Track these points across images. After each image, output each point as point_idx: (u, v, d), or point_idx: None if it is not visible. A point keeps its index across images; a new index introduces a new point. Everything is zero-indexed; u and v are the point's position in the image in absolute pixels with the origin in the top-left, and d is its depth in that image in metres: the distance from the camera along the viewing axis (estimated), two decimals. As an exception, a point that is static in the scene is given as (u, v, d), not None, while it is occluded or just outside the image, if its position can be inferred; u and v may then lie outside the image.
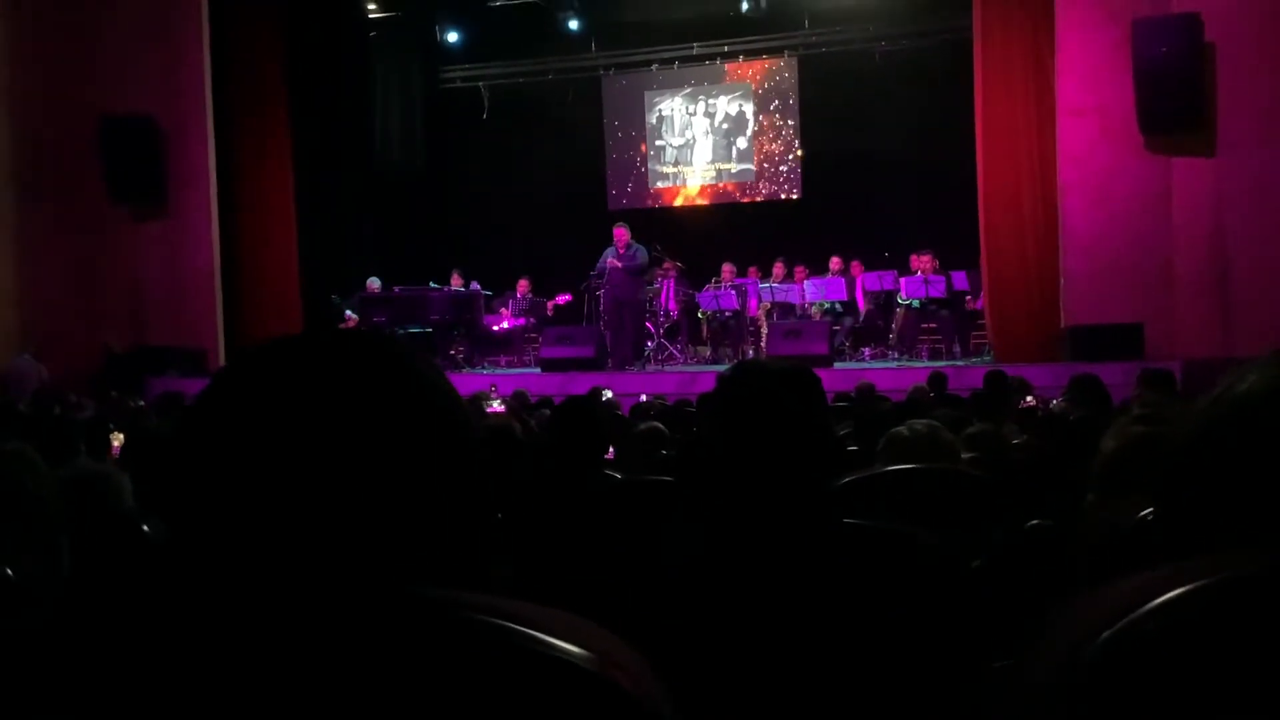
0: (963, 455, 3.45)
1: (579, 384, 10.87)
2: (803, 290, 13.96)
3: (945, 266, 13.27)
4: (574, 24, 17.02)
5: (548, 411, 7.14)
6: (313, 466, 0.88)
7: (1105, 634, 0.88)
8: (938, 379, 9.08)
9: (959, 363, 12.33)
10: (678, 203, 18.02)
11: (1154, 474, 2.30)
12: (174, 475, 0.91)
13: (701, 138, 17.85)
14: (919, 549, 1.76)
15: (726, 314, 14.19)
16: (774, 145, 17.57)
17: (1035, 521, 2.52)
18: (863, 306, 14.04)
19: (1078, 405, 6.11)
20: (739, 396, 1.80)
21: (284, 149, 14.32)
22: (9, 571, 2.07)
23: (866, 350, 13.88)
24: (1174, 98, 10.90)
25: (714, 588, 1.74)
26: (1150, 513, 2.14)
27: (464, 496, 0.94)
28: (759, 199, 17.62)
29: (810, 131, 17.13)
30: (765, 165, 17.61)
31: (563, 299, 14.88)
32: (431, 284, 14.33)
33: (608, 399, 9.14)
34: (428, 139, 18.07)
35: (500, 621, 0.88)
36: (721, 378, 1.87)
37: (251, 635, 0.86)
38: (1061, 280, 11.78)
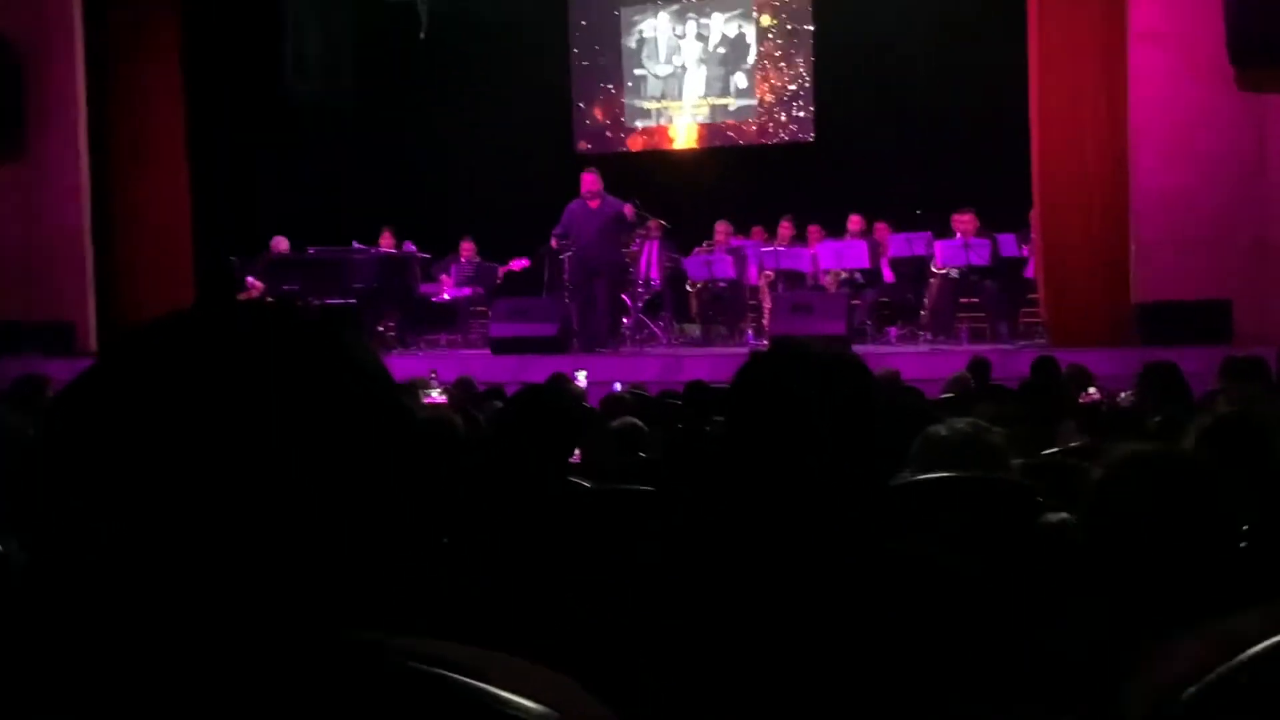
0: (1012, 462, 3.45)
1: (538, 369, 10.83)
2: (814, 255, 13.97)
3: (990, 228, 13.31)
4: (534, -77, 16.95)
5: (499, 403, 7.13)
6: (213, 475, 0.87)
7: (1191, 690, 0.89)
8: (979, 366, 9.10)
9: (1006, 346, 12.38)
10: (662, 147, 17.99)
11: (1160, 501, 2.31)
12: (39, 484, 0.90)
13: (692, 66, 17.83)
14: (966, 585, 1.76)
15: (720, 284, 14.20)
16: (781, 76, 17.56)
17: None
18: (888, 276, 14.06)
19: (1150, 399, 6.14)
20: (777, 388, 1.80)
21: (172, 77, 14.21)
22: None
23: (892, 330, 13.91)
24: (1274, 21, 10.92)
25: (718, 626, 1.74)
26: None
27: (401, 511, 0.94)
28: (762, 142, 17.61)
29: (826, 60, 17.12)
30: (770, 101, 17.61)
31: (518, 264, 14.84)
32: (355, 244, 14.27)
33: (580, 386, 9.13)
34: (352, 67, 17.96)
35: (442, 672, 0.88)
36: (752, 363, 1.87)
37: (138, 687, 0.86)
38: (1132, 247, 11.82)
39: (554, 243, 13.24)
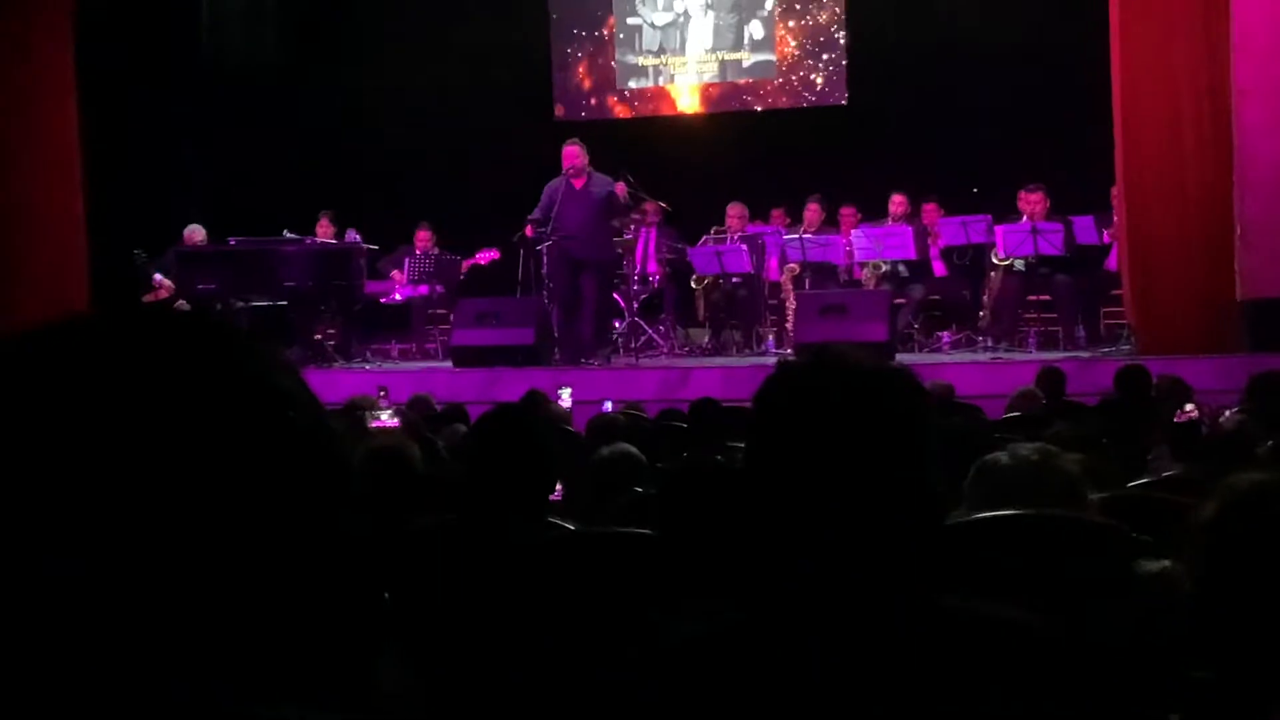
0: (1091, 496, 3.45)
1: (510, 385, 10.85)
2: (849, 244, 13.97)
3: (1063, 209, 13.31)
4: None
5: (463, 428, 7.12)
6: (96, 521, 0.87)
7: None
8: (1051, 378, 9.10)
9: (1084, 354, 12.38)
10: (661, 112, 18.00)
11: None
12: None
13: (698, 14, 17.85)
14: (1038, 644, 1.76)
15: (734, 279, 14.18)
16: (807, 25, 17.58)
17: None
18: (939, 269, 14.06)
19: (1260, 419, 6.14)
20: (810, 409, 1.79)
21: (62, 32, 14.18)
22: None
23: (945, 335, 13.90)
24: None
25: (736, 701, 1.73)
26: None
27: (333, 564, 0.93)
28: (784, 106, 17.62)
29: (862, 8, 17.14)
30: (794, 56, 17.62)
31: (485, 256, 14.84)
32: (287, 233, 14.26)
33: (564, 406, 9.12)
34: (280, 20, 17.97)
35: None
36: (778, 377, 1.86)
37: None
38: (1237, 230, 11.82)
39: (530, 230, 13.22)
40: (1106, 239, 13.28)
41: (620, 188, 13.02)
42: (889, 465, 1.76)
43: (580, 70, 18.22)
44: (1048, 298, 13.52)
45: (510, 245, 14.23)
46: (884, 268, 13.84)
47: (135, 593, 0.87)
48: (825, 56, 17.51)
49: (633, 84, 18.11)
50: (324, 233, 14.80)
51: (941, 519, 1.95)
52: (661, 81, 18.07)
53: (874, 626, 1.74)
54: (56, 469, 0.87)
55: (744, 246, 13.99)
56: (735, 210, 14.57)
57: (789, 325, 13.63)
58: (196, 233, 14.43)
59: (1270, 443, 5.09)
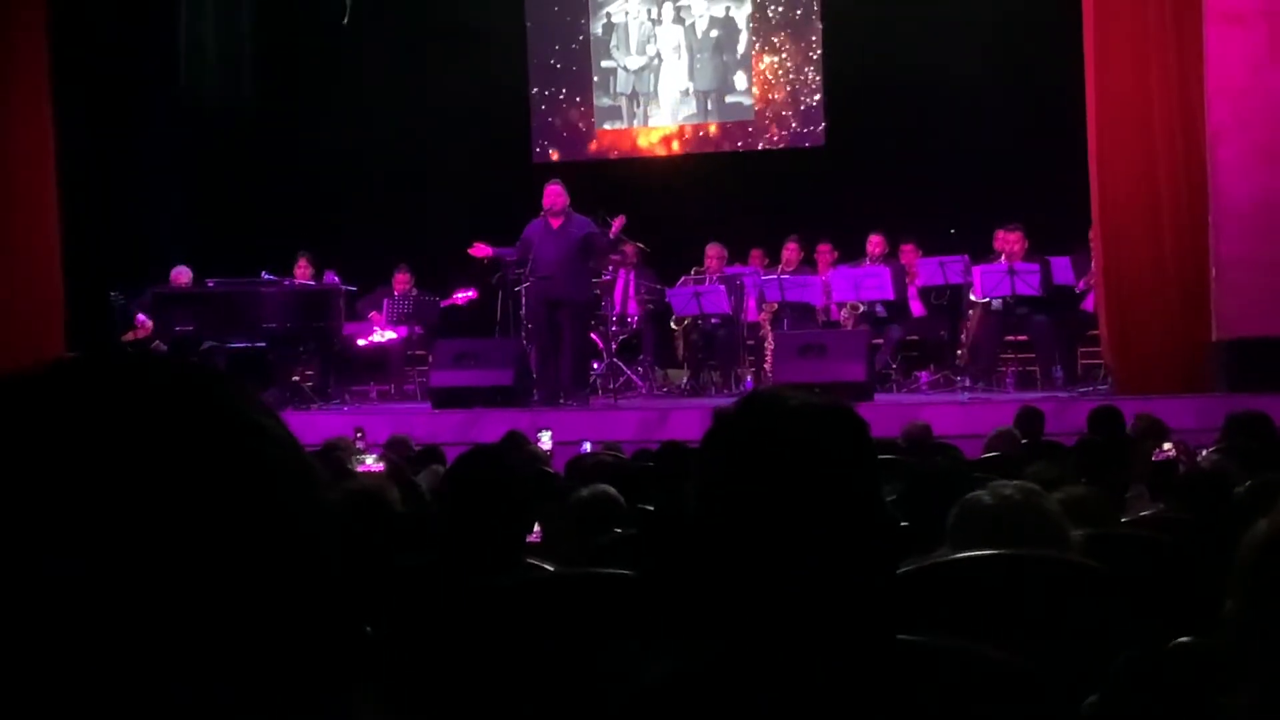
0: (1073, 533, 3.44)
1: (490, 426, 10.83)
2: (827, 284, 13.99)
3: (1041, 249, 13.34)
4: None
5: (441, 469, 7.10)
6: (57, 579, 0.85)
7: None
8: (1029, 418, 9.12)
9: (1062, 394, 12.41)
10: (639, 153, 18.04)
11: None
12: None
13: (672, 57, 17.88)
14: (1013, 681, 1.75)
15: (713, 320, 14.19)
16: (783, 66, 17.62)
17: (1183, 639, 2.52)
18: (917, 309, 14.08)
19: (1237, 458, 6.15)
20: (750, 448, 1.78)
21: (38, 66, 14.16)
22: None
23: (923, 375, 13.93)
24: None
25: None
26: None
27: (315, 610, 0.92)
28: (760, 147, 17.66)
29: (837, 46, 17.19)
30: (770, 98, 17.67)
31: (463, 296, 14.83)
32: (265, 274, 14.23)
33: (543, 448, 9.10)
34: (259, 59, 17.97)
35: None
36: (721, 419, 1.85)
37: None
38: (1213, 271, 11.86)
39: (485, 247, 13.24)
40: (1081, 286, 13.31)
41: (597, 236, 13.06)
42: (832, 503, 1.74)
43: (557, 113, 18.22)
44: (1025, 338, 13.56)
45: (488, 285, 14.23)
46: (862, 308, 13.87)
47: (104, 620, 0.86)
48: (802, 97, 17.54)
49: (609, 126, 18.12)
50: (302, 274, 14.78)
51: (895, 554, 1.92)
52: (637, 124, 18.08)
53: (827, 667, 1.73)
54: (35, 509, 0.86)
55: (722, 287, 14.01)
56: (714, 251, 14.59)
57: (767, 365, 13.63)
58: (183, 274, 14.38)
59: (1248, 482, 5.10)
